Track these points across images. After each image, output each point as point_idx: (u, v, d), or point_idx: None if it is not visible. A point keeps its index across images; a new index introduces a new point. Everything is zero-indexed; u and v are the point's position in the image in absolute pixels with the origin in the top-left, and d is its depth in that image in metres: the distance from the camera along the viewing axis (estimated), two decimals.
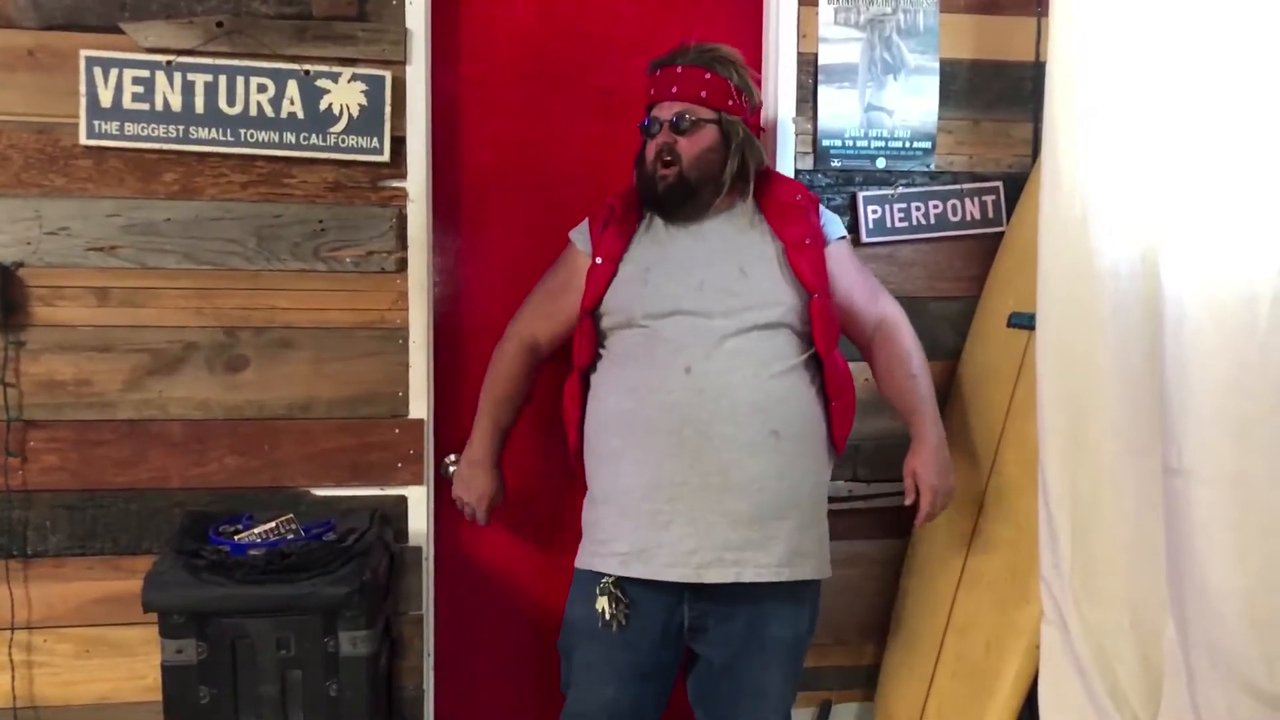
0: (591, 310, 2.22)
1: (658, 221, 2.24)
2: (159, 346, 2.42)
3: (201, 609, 2.08)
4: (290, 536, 2.24)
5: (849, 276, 2.28)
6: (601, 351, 2.24)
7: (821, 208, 2.30)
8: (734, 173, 2.18)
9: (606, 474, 2.18)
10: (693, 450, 2.07)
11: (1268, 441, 1.77)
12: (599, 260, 2.21)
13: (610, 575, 2.13)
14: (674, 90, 2.18)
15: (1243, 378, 1.79)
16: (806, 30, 2.61)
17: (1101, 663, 2.10)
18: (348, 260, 2.46)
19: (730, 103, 2.18)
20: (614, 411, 2.16)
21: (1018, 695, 2.30)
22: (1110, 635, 2.09)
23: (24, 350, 2.38)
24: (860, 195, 2.65)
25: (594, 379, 2.25)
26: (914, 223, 2.67)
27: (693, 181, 2.16)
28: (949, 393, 2.70)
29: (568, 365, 2.32)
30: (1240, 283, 1.80)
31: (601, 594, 2.12)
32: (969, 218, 2.69)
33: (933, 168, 2.69)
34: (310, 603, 2.09)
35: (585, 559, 2.20)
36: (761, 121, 2.67)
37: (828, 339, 2.18)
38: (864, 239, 2.64)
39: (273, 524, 2.27)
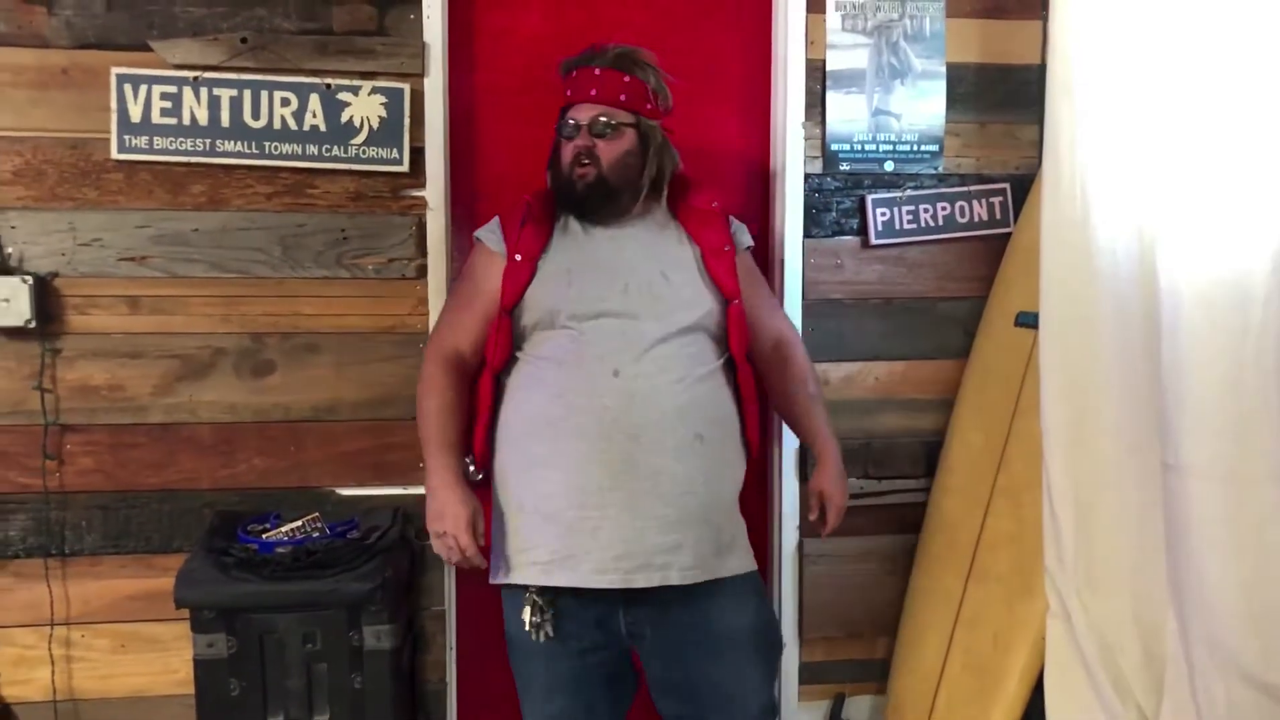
0: (510, 310, 2.13)
1: (574, 224, 2.19)
2: (188, 352, 2.51)
3: (231, 605, 2.16)
4: (315, 535, 2.32)
5: (753, 289, 2.26)
6: (517, 354, 2.15)
7: (730, 217, 2.29)
8: (652, 177, 2.17)
9: (525, 481, 2.08)
10: (622, 455, 2.01)
11: (1263, 437, 1.81)
12: (518, 257, 2.14)
13: (531, 585, 2.05)
14: (592, 93, 2.14)
15: (1238, 374, 1.83)
16: (814, 37, 2.66)
17: (1105, 655, 2.14)
18: (369, 267, 2.54)
19: (648, 106, 2.16)
20: (538, 417, 2.07)
21: (1025, 688, 2.35)
22: (1114, 628, 2.13)
23: (60, 357, 2.47)
24: (869, 198, 2.70)
25: (509, 382, 2.15)
26: (922, 224, 2.72)
27: (612, 184, 2.13)
28: (958, 392, 2.74)
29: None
30: (1235, 281, 1.84)
31: (525, 604, 2.06)
32: (976, 219, 2.74)
33: (940, 170, 2.73)
34: (334, 598, 2.17)
35: (500, 573, 2.10)
36: (771, 128, 2.75)
37: (742, 344, 2.18)
38: (873, 241, 2.70)
39: (299, 522, 2.35)
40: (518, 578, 2.07)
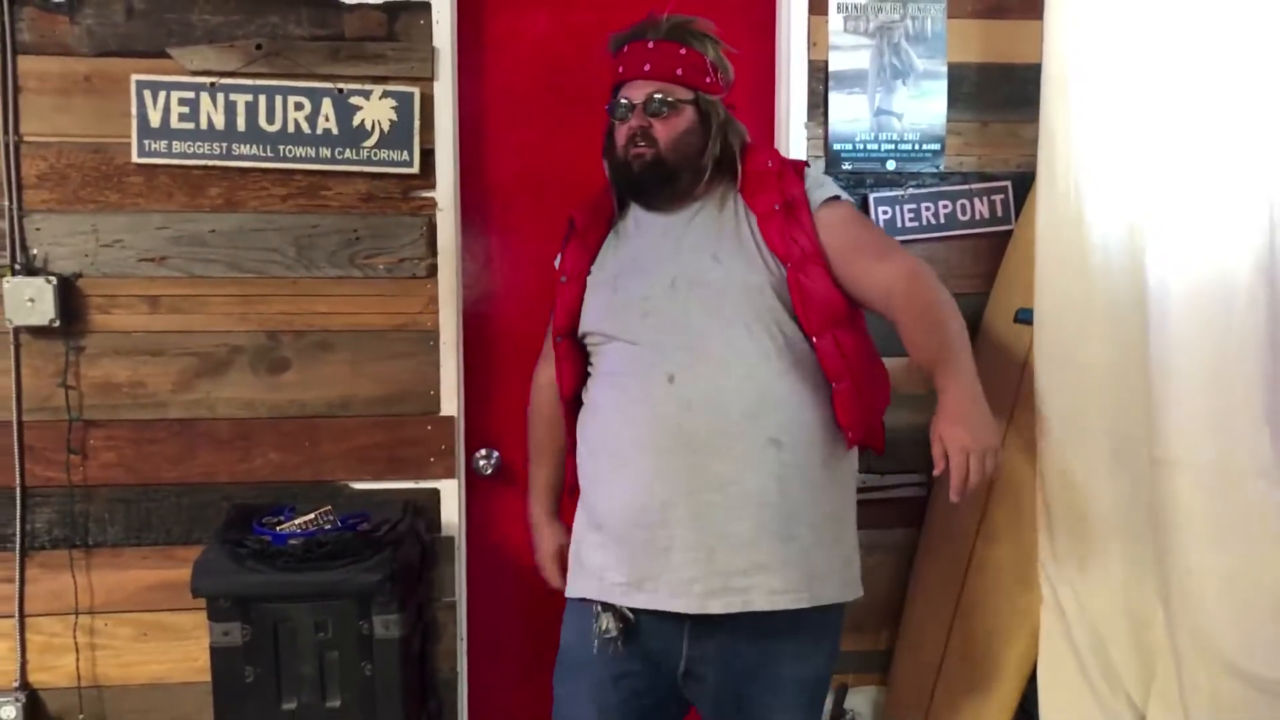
0: (568, 333, 2.09)
1: (625, 224, 2.08)
2: (206, 350, 2.59)
3: (245, 594, 2.23)
4: (327, 527, 2.39)
5: (845, 242, 1.97)
6: (590, 373, 2.09)
7: (810, 171, 2.08)
8: (716, 156, 2.00)
9: (599, 497, 2.00)
10: (684, 468, 1.88)
11: (1245, 432, 1.85)
12: (564, 279, 2.09)
13: (606, 607, 1.97)
14: (646, 69, 1.98)
15: (1222, 370, 1.87)
16: (817, 39, 2.71)
17: (1097, 646, 2.18)
18: (381, 267, 2.61)
19: (708, 80, 2.00)
20: (600, 432, 2.00)
21: (1020, 679, 2.39)
22: (1105, 620, 2.17)
23: (83, 355, 2.56)
24: (871, 197, 2.74)
25: (585, 403, 2.09)
26: (924, 222, 2.76)
27: (671, 165, 1.97)
28: None
29: None
30: (1218, 279, 1.88)
31: (605, 610, 1.96)
32: (978, 216, 2.77)
33: (942, 169, 2.77)
34: (344, 589, 2.24)
35: (578, 587, 2.03)
36: (775, 128, 2.79)
37: (814, 315, 1.92)
38: None
39: (312, 515, 2.42)
40: (596, 595, 1.98)
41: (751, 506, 1.88)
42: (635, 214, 2.10)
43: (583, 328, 2.06)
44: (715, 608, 1.89)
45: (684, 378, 1.89)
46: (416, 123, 2.57)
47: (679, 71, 1.98)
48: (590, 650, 1.97)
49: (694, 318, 1.92)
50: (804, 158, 2.72)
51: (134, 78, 2.50)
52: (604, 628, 1.95)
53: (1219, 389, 1.87)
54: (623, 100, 2.01)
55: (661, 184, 1.99)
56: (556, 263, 2.18)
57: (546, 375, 2.20)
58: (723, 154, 2.01)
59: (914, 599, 2.79)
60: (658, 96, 1.97)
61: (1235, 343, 1.84)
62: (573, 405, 2.12)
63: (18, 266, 2.50)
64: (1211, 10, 1.90)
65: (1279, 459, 1.77)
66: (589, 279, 2.06)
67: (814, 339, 1.92)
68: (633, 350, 1.96)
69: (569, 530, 2.16)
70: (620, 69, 2.04)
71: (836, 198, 2.02)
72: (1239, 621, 1.85)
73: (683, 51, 1.99)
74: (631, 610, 1.94)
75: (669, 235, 2.01)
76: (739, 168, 2.02)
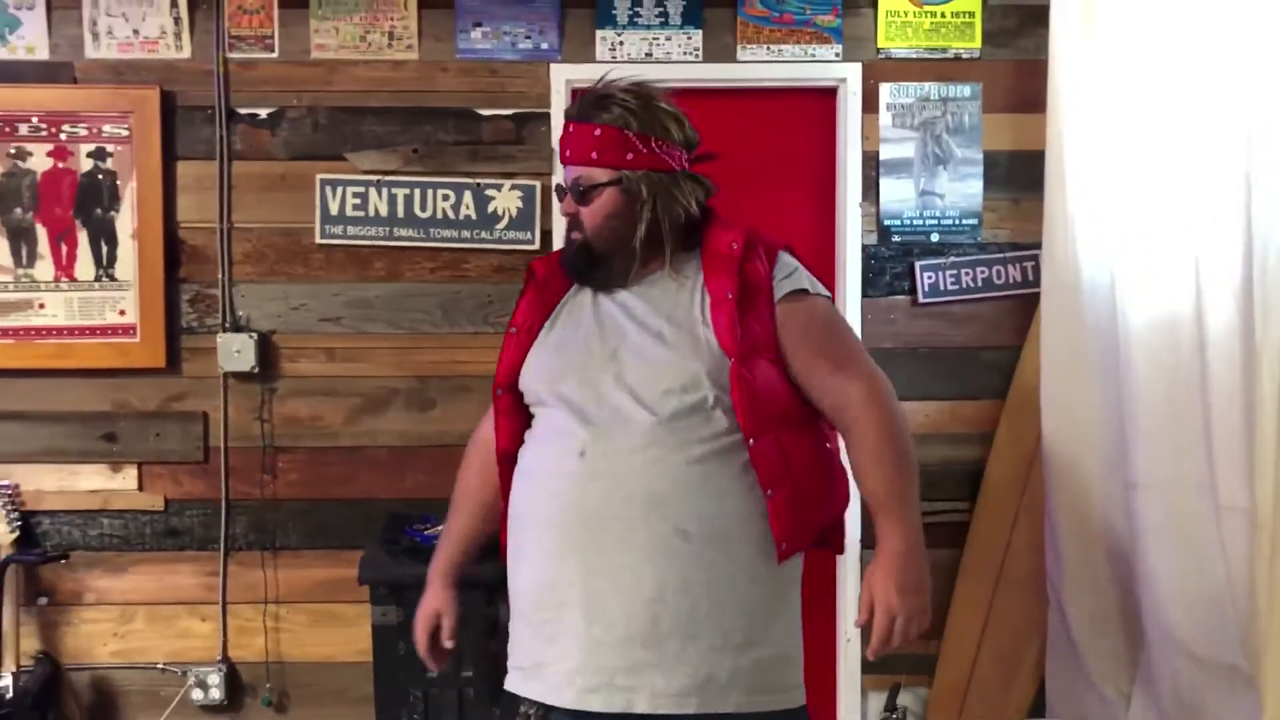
0: (508, 386, 1.94)
1: (585, 288, 1.94)
2: (370, 392, 3.23)
3: (399, 583, 2.82)
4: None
5: (802, 344, 1.83)
6: (526, 435, 1.94)
7: (784, 256, 1.90)
8: (643, 237, 1.85)
9: (511, 572, 1.90)
10: (579, 549, 1.75)
11: (1193, 456, 2.28)
12: (513, 330, 1.95)
13: (523, 698, 1.85)
14: (567, 154, 1.90)
15: (1174, 403, 2.32)
16: (869, 133, 3.23)
17: (1092, 642, 2.61)
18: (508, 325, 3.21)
19: (630, 156, 1.83)
20: (515, 504, 1.89)
21: (1037, 675, 2.82)
22: (1099, 619, 2.60)
23: (275, 395, 3.23)
24: (917, 264, 3.23)
25: (516, 467, 1.94)
26: (963, 285, 3.23)
27: (598, 251, 1.87)
28: (996, 427, 3.22)
29: None
30: (1168, 325, 2.33)
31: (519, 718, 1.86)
32: (1011, 280, 3.23)
33: (979, 240, 3.24)
34: (474, 579, 2.79)
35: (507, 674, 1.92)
36: (836, 208, 3.31)
37: (754, 414, 1.76)
38: (921, 300, 3.23)
39: None
40: (507, 682, 1.90)
41: (645, 599, 1.72)
42: None
43: (521, 384, 1.93)
44: (595, 705, 1.74)
45: (594, 452, 1.77)
46: (538, 209, 3.18)
47: (594, 155, 1.85)
48: None
49: (623, 393, 1.78)
50: (859, 232, 3.24)
51: (318, 177, 3.19)
52: None
53: (1171, 419, 2.31)
54: (559, 185, 1.95)
55: (591, 269, 1.89)
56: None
57: (488, 428, 2.04)
58: (656, 231, 1.85)
59: (955, 610, 3.22)
60: (578, 182, 1.88)
61: (1183, 380, 2.28)
62: (507, 462, 1.95)
63: (227, 325, 3.19)
64: (1163, 121, 2.38)
65: (1213, 476, 2.18)
66: (539, 336, 1.93)
67: (750, 440, 1.76)
68: (557, 418, 1.84)
69: (455, 600, 2.07)
70: (557, 149, 2.03)
71: (804, 291, 1.87)
72: (1189, 612, 2.27)
73: (597, 132, 1.85)
74: (548, 706, 1.80)
75: (622, 306, 1.88)
76: (668, 247, 1.87)
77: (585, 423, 1.79)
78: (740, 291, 1.80)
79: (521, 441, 1.93)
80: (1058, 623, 2.67)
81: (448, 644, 2.03)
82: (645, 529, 1.72)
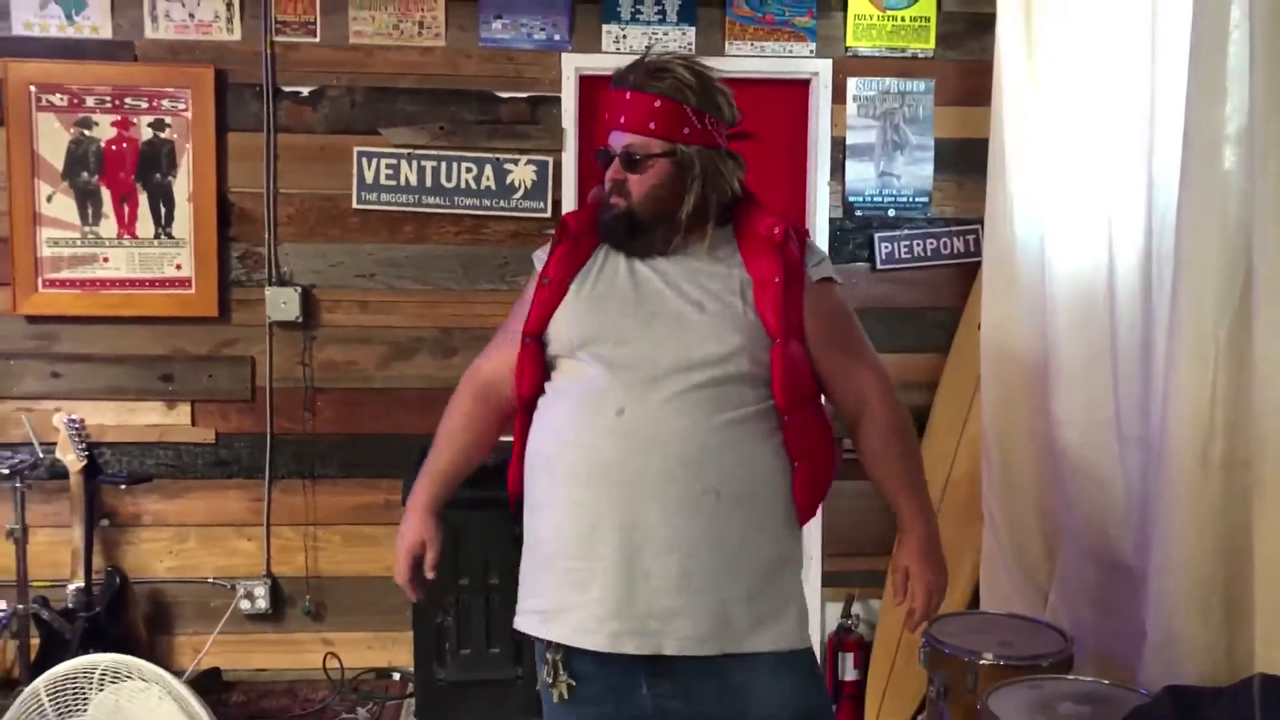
0: (536, 335, 1.96)
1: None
2: (399, 340, 3.67)
3: None
4: (487, 463, 3.43)
5: (828, 330, 1.95)
6: (546, 385, 1.98)
7: (812, 244, 2.01)
8: (690, 210, 1.90)
9: (531, 522, 1.97)
10: (616, 504, 1.82)
11: (1099, 390, 2.79)
12: (546, 280, 1.96)
13: (546, 641, 1.91)
14: (621, 120, 1.90)
15: (1089, 351, 2.83)
16: (838, 121, 3.73)
17: (1019, 553, 3.17)
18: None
19: (686, 131, 1.88)
20: (539, 454, 1.94)
21: (974, 579, 3.37)
22: (1024, 530, 3.15)
23: (315, 342, 3.65)
24: (876, 236, 3.75)
25: (535, 417, 1.98)
26: (915, 254, 3.76)
27: (643, 220, 1.90)
28: (940, 376, 3.76)
29: None
30: (1086, 286, 2.84)
31: (541, 661, 1.94)
32: (955, 251, 3.77)
33: (929, 215, 3.77)
34: (498, 501, 3.26)
35: (518, 619, 1.98)
36: (807, 186, 3.81)
37: (790, 392, 1.87)
38: (878, 266, 3.75)
39: None
40: (520, 624, 1.96)
41: (679, 553, 1.82)
42: None
43: (552, 337, 1.95)
44: (626, 647, 1.84)
45: (634, 413, 1.83)
46: (550, 181, 3.63)
47: (651, 125, 1.88)
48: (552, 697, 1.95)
49: (661, 358, 1.85)
50: (826, 208, 3.74)
51: (355, 149, 3.60)
52: (544, 678, 1.94)
53: (1087, 365, 2.83)
54: (607, 148, 1.94)
55: (633, 237, 1.92)
56: (537, 261, 2.05)
57: (490, 369, 2.09)
58: (703, 207, 1.92)
59: None
60: (631, 150, 1.89)
61: (1098, 331, 2.79)
62: (528, 410, 2.00)
63: (272, 280, 3.61)
64: (1086, 113, 2.87)
65: (1118, 412, 2.71)
66: (571, 288, 1.95)
67: (785, 416, 1.89)
68: (592, 374, 1.88)
69: (440, 531, 2.11)
70: (605, 115, 1.99)
71: (830, 279, 1.98)
72: (1090, 523, 2.81)
73: (656, 104, 1.88)
74: (569, 648, 1.88)
75: (657, 272, 1.93)
76: (710, 222, 1.94)
77: (623, 383, 1.85)
78: (782, 278, 1.89)
79: (541, 390, 1.98)
80: (990, 536, 3.22)
81: (430, 574, 2.10)
82: (680, 488, 1.82)
